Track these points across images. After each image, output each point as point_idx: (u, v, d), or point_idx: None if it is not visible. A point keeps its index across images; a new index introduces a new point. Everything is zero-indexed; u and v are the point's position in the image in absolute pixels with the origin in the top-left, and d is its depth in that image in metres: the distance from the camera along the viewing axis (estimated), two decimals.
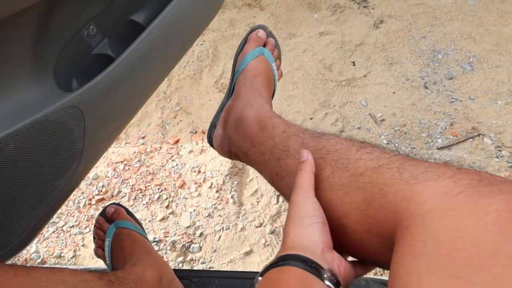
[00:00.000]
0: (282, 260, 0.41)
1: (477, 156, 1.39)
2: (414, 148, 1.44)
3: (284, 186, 0.56)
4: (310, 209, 0.46)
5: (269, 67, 0.82)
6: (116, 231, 0.92)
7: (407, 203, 0.39)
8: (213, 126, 0.80)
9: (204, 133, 1.60)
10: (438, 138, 1.45)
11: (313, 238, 0.44)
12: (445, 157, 1.39)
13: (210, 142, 0.80)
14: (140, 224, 0.97)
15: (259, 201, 1.36)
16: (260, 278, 0.43)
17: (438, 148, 1.42)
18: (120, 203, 1.00)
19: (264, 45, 0.85)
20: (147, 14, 0.67)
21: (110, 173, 1.51)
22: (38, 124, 0.48)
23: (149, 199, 1.42)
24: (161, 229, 1.34)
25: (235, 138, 0.69)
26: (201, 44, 1.98)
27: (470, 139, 1.44)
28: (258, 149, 0.62)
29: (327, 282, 0.40)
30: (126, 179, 1.49)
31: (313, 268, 0.40)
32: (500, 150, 1.39)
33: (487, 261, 0.30)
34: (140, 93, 0.71)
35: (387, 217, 0.41)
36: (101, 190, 1.47)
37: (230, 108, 0.75)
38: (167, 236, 1.32)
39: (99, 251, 0.92)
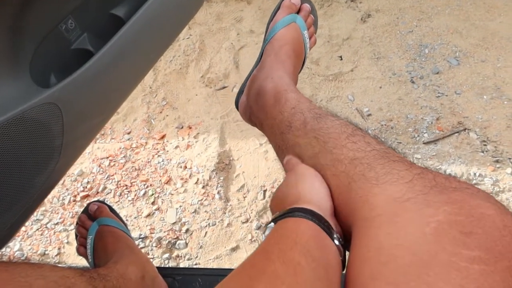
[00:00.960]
0: (298, 211, 0.42)
1: (462, 151, 1.40)
2: (400, 142, 1.44)
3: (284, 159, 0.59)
4: (315, 172, 0.49)
5: (300, 36, 0.79)
6: (98, 228, 0.91)
7: (363, 204, 0.40)
8: (240, 92, 0.82)
9: (190, 128, 1.58)
10: (425, 132, 1.46)
11: (322, 195, 0.46)
12: (431, 152, 1.40)
13: (237, 107, 0.83)
14: (123, 222, 0.96)
15: (246, 197, 1.36)
16: (272, 224, 0.43)
17: (424, 143, 1.43)
18: (103, 201, 0.99)
19: (299, 11, 0.82)
20: (128, 7, 0.65)
21: (95, 169, 1.49)
22: (14, 121, 0.47)
23: (135, 195, 1.41)
24: (146, 226, 1.33)
25: (255, 108, 0.70)
26: (187, 38, 1.96)
27: (456, 134, 1.45)
28: (270, 122, 0.63)
29: (336, 242, 0.41)
30: (112, 175, 1.47)
31: (326, 226, 0.41)
32: (485, 145, 1.40)
33: (422, 269, 0.31)
34: (121, 89, 0.69)
35: (348, 215, 0.43)
36: (86, 187, 1.45)
37: (254, 77, 0.75)
38: (153, 233, 1.31)
39: (81, 249, 0.91)
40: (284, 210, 0.44)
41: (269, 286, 0.30)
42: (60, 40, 0.57)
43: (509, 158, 1.36)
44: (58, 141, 0.57)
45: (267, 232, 0.47)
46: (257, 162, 1.44)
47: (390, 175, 0.41)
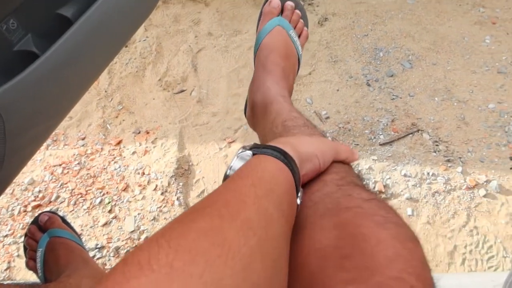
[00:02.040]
0: (283, 156, 0.41)
1: (416, 151, 1.44)
2: (358, 144, 1.47)
3: None
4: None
5: (287, 37, 0.80)
6: (49, 240, 0.86)
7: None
8: (246, 102, 0.85)
9: (147, 133, 1.54)
10: (381, 134, 1.50)
11: (309, 154, 0.47)
12: (387, 153, 1.44)
13: (245, 116, 0.85)
14: (77, 232, 0.92)
15: None
16: (250, 152, 0.42)
17: (380, 144, 1.47)
18: (55, 211, 0.94)
19: (282, 12, 0.82)
20: (76, 7, 0.62)
21: (48, 177, 1.42)
22: None
23: (91, 204, 1.35)
24: (103, 235, 1.28)
25: (253, 119, 0.76)
26: (144, 40, 1.91)
27: (410, 135, 1.49)
28: (262, 133, 0.68)
29: (298, 201, 0.42)
30: (65, 183, 1.40)
31: (297, 184, 0.41)
32: (437, 145, 1.46)
33: None
34: (70, 93, 0.66)
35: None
36: (38, 196, 1.37)
37: (249, 90, 0.79)
38: (110, 242, 1.26)
39: (30, 263, 0.86)
40: (271, 144, 0.42)
41: (242, 236, 0.28)
42: (0, 41, 0.54)
43: (459, 158, 1.41)
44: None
45: (239, 161, 0.44)
46: (217, 167, 1.43)
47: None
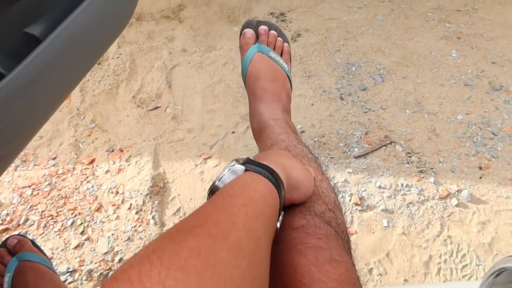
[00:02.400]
0: (275, 177, 0.41)
1: (390, 163, 1.47)
2: (333, 158, 1.49)
3: None
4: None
5: (269, 60, 0.83)
6: (18, 264, 0.83)
7: None
8: None
9: (121, 151, 1.52)
10: (355, 147, 1.52)
11: (297, 181, 0.49)
12: (361, 166, 1.46)
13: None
14: (47, 256, 0.88)
15: None
16: (242, 168, 0.41)
17: (355, 157, 1.49)
18: (25, 234, 0.91)
19: (258, 37, 0.86)
20: (44, 26, 0.61)
21: (16, 199, 1.37)
22: None
23: (62, 226, 1.31)
24: (75, 258, 1.24)
25: (256, 143, 0.80)
26: (117, 57, 1.89)
27: (384, 147, 1.52)
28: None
29: (278, 225, 0.42)
30: (35, 205, 1.36)
31: (281, 208, 0.42)
32: (410, 156, 1.49)
33: None
34: (39, 112, 0.64)
35: None
36: (5, 219, 1.32)
37: (249, 116, 0.84)
38: (83, 265, 1.22)
39: None
40: (264, 163, 0.42)
41: (232, 258, 0.27)
42: None
43: (431, 168, 1.45)
44: None
45: (230, 174, 0.43)
46: (193, 184, 1.41)
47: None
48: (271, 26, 0.87)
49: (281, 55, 0.87)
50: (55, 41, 0.58)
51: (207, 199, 0.40)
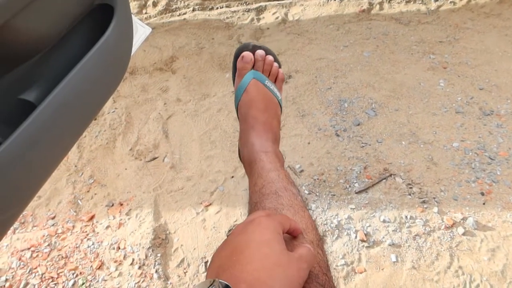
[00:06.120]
0: None
1: (392, 196, 1.46)
2: (334, 195, 1.48)
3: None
4: None
5: (263, 88, 0.83)
6: None
7: None
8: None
9: (121, 205, 1.50)
10: (355, 182, 1.51)
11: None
12: (364, 201, 1.45)
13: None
14: None
15: (186, 272, 1.29)
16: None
17: (356, 192, 1.48)
18: None
19: (254, 62, 0.84)
20: (39, 90, 0.62)
21: (15, 264, 1.34)
22: None
23: None
24: None
25: (245, 169, 0.79)
26: (113, 111, 1.92)
27: (384, 180, 1.52)
28: (249, 185, 0.72)
29: None
30: (35, 268, 1.33)
31: None
32: (411, 188, 1.48)
33: None
34: (36, 176, 0.64)
35: None
36: (4, 285, 1.29)
37: (239, 142, 0.83)
38: None
39: None
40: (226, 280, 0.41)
41: None
42: None
43: (434, 198, 1.44)
44: None
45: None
46: (196, 233, 1.39)
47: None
48: (267, 51, 0.87)
49: (275, 81, 0.87)
50: (50, 105, 0.59)
51: None
